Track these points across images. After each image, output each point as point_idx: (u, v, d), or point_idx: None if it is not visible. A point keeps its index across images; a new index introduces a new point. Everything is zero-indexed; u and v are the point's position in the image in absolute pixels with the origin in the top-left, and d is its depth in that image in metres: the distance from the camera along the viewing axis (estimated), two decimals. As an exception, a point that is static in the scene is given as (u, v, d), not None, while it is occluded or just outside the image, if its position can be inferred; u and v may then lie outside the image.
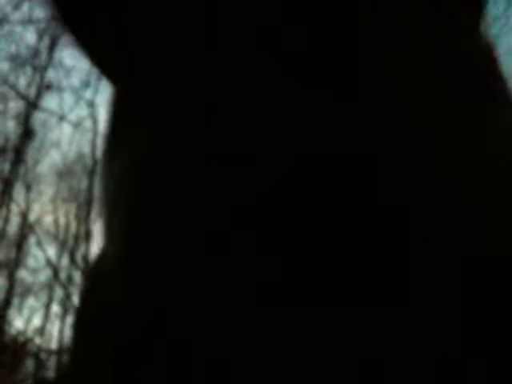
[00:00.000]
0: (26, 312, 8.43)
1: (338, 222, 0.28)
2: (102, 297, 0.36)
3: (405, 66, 0.33)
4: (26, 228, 8.20)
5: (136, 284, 0.32)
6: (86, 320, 0.37)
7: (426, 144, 0.30)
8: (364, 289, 0.28)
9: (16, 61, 7.73)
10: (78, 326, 0.38)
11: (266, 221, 0.29)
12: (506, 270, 0.28)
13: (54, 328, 7.86)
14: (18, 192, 8.23)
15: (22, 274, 8.58)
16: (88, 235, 7.70)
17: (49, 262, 7.75)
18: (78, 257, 8.02)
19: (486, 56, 0.37)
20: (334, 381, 0.27)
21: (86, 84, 7.42)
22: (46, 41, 7.91)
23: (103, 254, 0.39)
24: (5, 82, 7.45)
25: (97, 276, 0.38)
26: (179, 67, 0.34)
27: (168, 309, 0.30)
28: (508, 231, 0.29)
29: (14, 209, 8.16)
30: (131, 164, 0.35)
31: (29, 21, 7.60)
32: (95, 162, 7.32)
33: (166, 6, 0.36)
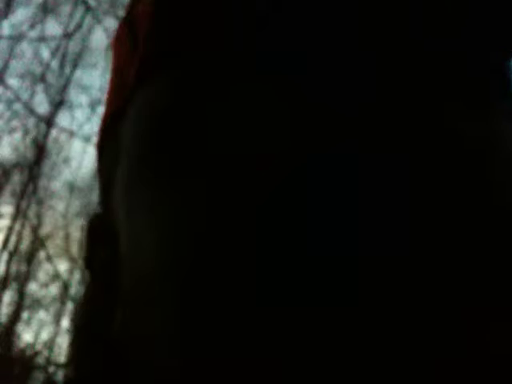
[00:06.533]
0: (35, 325, 8.48)
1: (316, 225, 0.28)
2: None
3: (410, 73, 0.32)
4: (37, 242, 8.28)
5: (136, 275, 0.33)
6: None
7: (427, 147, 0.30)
8: (318, 289, 0.28)
9: (30, 78, 7.85)
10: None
11: (266, 221, 0.29)
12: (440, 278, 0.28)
13: (63, 342, 7.91)
14: (31, 207, 8.31)
15: (32, 288, 8.64)
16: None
17: (58, 277, 7.82)
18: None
19: None
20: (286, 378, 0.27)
21: (98, 101, 7.53)
22: (61, 59, 8.02)
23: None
24: (18, 99, 7.58)
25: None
26: (187, 68, 0.34)
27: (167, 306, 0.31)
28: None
29: (26, 223, 8.24)
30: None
31: (44, 38, 7.73)
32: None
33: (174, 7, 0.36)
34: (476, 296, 0.28)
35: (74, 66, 8.25)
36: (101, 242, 0.40)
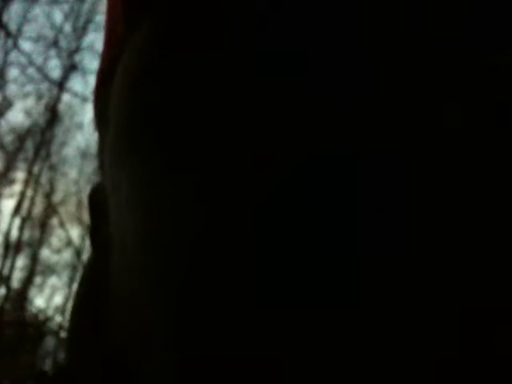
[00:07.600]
0: (47, 291, 8.59)
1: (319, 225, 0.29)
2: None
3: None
4: (50, 208, 8.32)
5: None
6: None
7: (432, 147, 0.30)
8: (318, 289, 0.28)
9: (43, 42, 7.81)
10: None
11: (266, 221, 0.29)
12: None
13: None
14: (43, 173, 8.35)
15: (45, 253, 8.74)
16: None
17: (71, 243, 7.88)
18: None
19: None
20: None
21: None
22: (73, 22, 7.97)
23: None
24: (31, 63, 7.53)
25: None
26: (187, 69, 0.34)
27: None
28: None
29: (39, 189, 8.29)
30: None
31: (57, 1, 7.67)
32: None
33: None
34: (481, 297, 0.28)
35: (87, 29, 8.19)
36: (102, 215, 0.39)
